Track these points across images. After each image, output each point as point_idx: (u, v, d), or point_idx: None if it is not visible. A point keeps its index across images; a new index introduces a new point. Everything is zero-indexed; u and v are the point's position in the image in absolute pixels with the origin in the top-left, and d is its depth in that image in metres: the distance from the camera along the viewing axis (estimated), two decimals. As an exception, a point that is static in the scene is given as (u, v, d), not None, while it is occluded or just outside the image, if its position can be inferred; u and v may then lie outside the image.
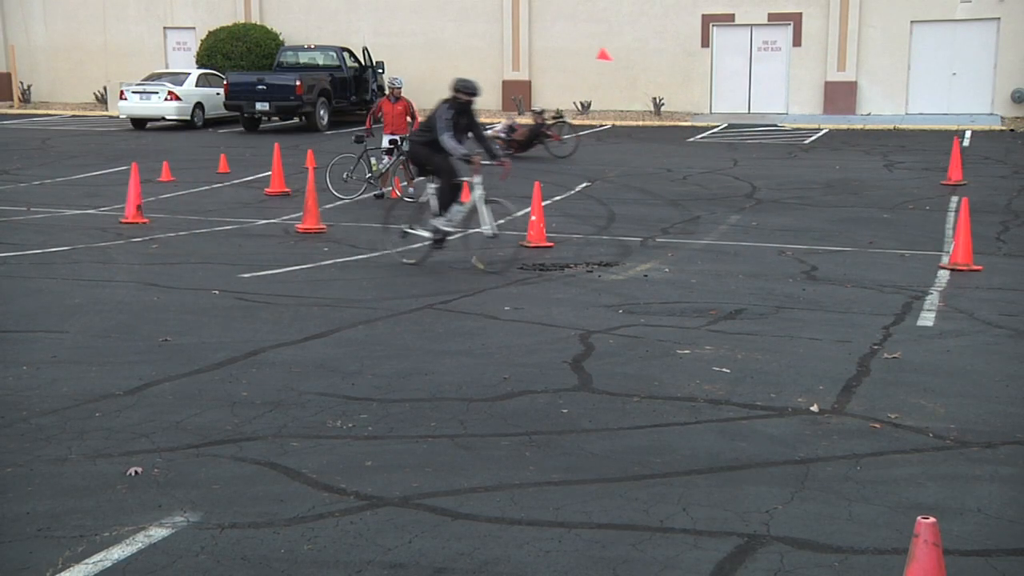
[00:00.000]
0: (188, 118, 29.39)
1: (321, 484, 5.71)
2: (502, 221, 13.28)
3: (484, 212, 11.85)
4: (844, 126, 28.93)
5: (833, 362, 8.06)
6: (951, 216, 14.90)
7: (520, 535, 5.10)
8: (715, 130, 28.77)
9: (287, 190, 17.47)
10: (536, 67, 34.09)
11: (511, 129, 22.26)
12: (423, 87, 34.10)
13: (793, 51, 31.81)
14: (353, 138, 17.20)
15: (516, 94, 33.66)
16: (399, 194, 16.76)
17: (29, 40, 38.86)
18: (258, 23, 35.43)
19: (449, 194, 11.82)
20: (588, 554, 4.93)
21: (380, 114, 17.11)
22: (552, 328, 9.07)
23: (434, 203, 11.92)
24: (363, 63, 31.50)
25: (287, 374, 7.72)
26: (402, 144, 16.62)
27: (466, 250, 12.07)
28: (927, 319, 9.42)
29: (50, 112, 35.81)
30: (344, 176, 17.12)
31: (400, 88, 17.19)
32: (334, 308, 9.80)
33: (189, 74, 30.54)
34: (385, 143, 16.92)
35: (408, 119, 16.91)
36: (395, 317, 9.47)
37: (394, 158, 16.76)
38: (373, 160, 16.91)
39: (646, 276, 11.30)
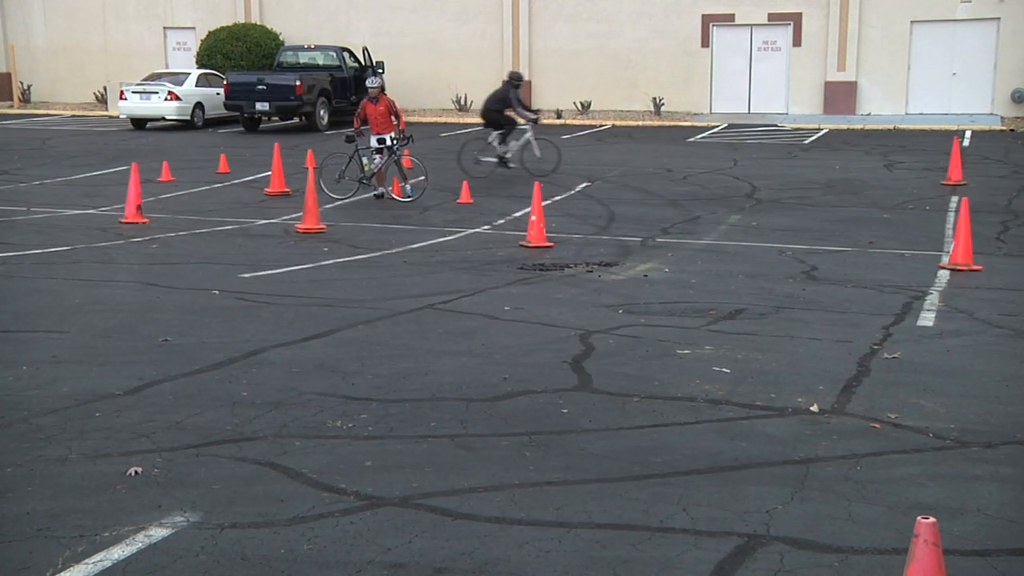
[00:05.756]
0: (188, 118, 29.38)
1: (321, 484, 5.71)
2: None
3: (534, 144, 19.25)
4: (844, 126, 28.92)
5: (833, 362, 8.06)
6: (951, 216, 14.89)
7: (520, 535, 5.10)
8: (715, 130, 28.76)
9: (287, 190, 17.47)
10: (536, 67, 34.07)
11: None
12: (423, 87, 34.10)
13: (793, 51, 31.79)
14: (344, 138, 17.16)
15: (516, 94, 33.62)
16: (399, 193, 16.74)
17: (29, 40, 38.85)
18: (258, 23, 35.41)
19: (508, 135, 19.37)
20: (588, 554, 4.93)
21: (364, 115, 16.80)
22: (552, 328, 9.07)
23: (498, 143, 19.15)
24: (363, 63, 31.49)
25: (287, 374, 7.72)
26: (393, 144, 16.52)
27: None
28: (927, 319, 9.42)
29: (50, 112, 35.80)
30: (337, 176, 17.07)
31: (377, 88, 16.81)
32: (334, 308, 9.80)
33: (189, 74, 30.53)
34: (373, 143, 16.76)
35: (392, 118, 16.66)
36: (395, 317, 9.47)
37: (386, 157, 16.65)
38: (364, 160, 16.87)
39: (646, 276, 11.30)
